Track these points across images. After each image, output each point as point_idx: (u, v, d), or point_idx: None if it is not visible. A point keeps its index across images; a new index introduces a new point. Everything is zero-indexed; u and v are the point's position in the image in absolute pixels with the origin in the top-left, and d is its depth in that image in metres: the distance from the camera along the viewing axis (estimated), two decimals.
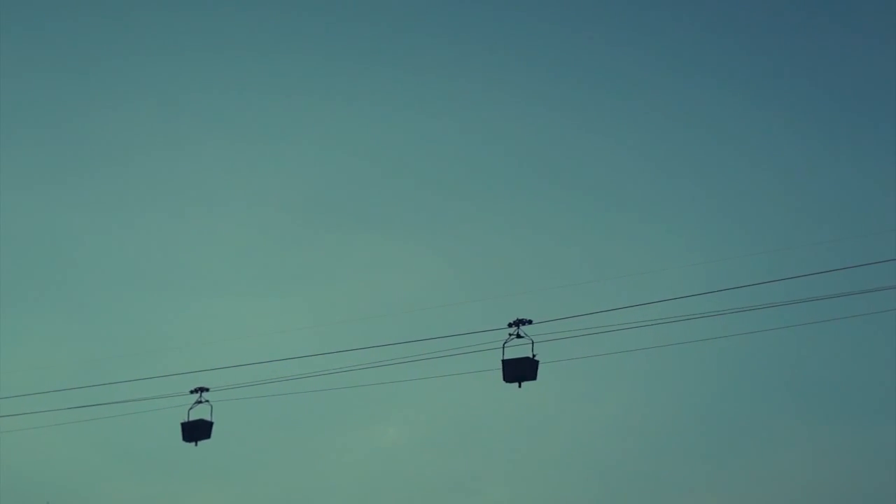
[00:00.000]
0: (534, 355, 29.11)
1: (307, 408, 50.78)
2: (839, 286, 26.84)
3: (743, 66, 60.83)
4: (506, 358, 29.17)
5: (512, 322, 29.31)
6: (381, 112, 61.80)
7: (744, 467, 49.73)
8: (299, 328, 43.16)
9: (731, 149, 59.56)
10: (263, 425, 49.58)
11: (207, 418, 32.86)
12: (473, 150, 61.36)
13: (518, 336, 29.13)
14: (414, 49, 63.46)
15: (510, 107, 62.01)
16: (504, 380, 29.20)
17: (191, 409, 32.90)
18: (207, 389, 32.90)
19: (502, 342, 29.24)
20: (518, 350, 29.02)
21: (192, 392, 32.97)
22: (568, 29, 62.50)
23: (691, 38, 62.00)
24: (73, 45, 62.58)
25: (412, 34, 63.33)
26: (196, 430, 32.88)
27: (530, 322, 29.23)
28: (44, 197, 59.85)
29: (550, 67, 62.18)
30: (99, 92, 62.06)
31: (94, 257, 59.54)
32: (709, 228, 58.12)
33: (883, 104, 56.94)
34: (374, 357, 31.24)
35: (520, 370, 29.09)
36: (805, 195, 58.05)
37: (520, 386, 29.15)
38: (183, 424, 32.97)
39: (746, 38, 61.00)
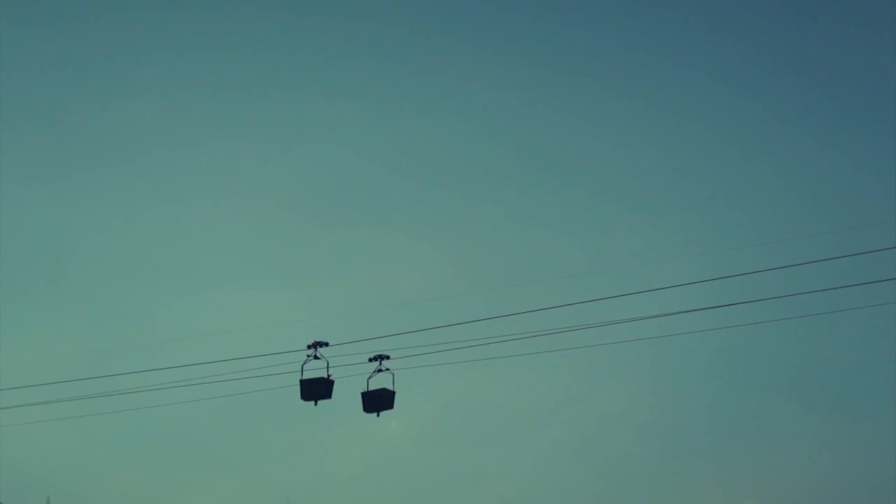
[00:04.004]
0: (329, 376, 30.83)
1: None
2: (839, 279, 26.88)
3: (740, 62, 61.07)
4: (303, 378, 30.90)
5: (310, 344, 30.92)
6: (380, 110, 62.08)
7: (747, 460, 49.83)
8: (300, 321, 43.25)
9: (729, 143, 59.77)
10: (264, 418, 49.66)
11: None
12: (472, 147, 61.61)
13: (315, 357, 30.85)
14: (413, 49, 63.69)
15: (509, 104, 62.26)
16: (301, 398, 30.93)
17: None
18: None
19: (301, 363, 30.97)
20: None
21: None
22: (565, 28, 62.71)
23: (689, 36, 62.19)
24: (77, 44, 62.83)
25: (412, 34, 63.55)
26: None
27: (327, 344, 30.88)
28: (47, 192, 60.09)
29: (549, 66, 62.45)
30: (101, 90, 62.31)
31: (97, 252, 59.77)
32: (708, 222, 58.27)
33: (880, 98, 57.11)
34: (374, 350, 31.31)
35: (316, 390, 30.85)
36: (803, 188, 58.22)
37: (315, 404, 30.91)
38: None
39: (743, 35, 61.23)
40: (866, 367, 50.48)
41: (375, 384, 30.75)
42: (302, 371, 31.09)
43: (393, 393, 30.67)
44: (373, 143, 61.67)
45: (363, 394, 30.77)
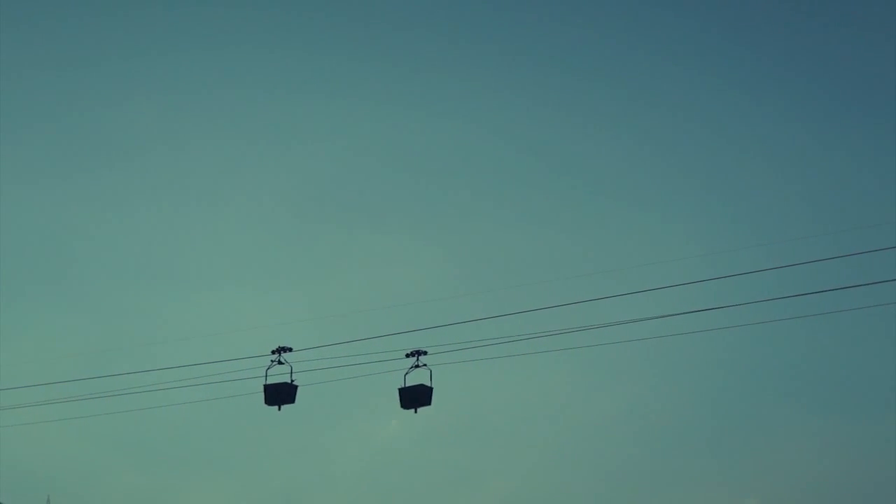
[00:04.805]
0: (292, 381, 31.20)
1: (309, 400, 50.80)
2: (839, 279, 26.85)
3: (741, 61, 61.03)
4: (266, 383, 31.22)
5: (274, 349, 31.24)
6: (381, 109, 62.03)
7: (747, 460, 49.81)
8: (300, 321, 43.21)
9: (730, 142, 59.75)
10: (265, 417, 49.59)
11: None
12: (472, 146, 61.54)
13: (279, 363, 31.13)
14: (414, 48, 63.64)
15: (510, 103, 62.21)
16: (265, 403, 31.29)
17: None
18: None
19: (265, 368, 31.34)
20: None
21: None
22: (566, 27, 62.67)
23: (689, 35, 62.17)
24: (77, 44, 62.78)
25: (413, 33, 63.50)
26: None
27: (290, 349, 31.21)
28: (47, 192, 60.05)
29: (550, 65, 62.37)
30: (101, 89, 62.27)
31: (97, 251, 59.75)
32: (708, 222, 58.27)
33: (880, 98, 57.09)
34: (374, 348, 31.30)
35: (280, 395, 31.17)
36: (803, 188, 58.21)
37: (279, 409, 31.32)
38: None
39: (744, 35, 61.19)
40: (866, 367, 50.51)
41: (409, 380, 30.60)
42: (266, 376, 31.24)
43: (431, 389, 30.46)
44: (373, 143, 61.71)
45: (400, 390, 30.54)
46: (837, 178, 57.81)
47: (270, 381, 31.32)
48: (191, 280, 59.26)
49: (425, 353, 30.41)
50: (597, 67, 62.52)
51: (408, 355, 30.47)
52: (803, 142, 59.50)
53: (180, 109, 62.52)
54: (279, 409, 31.36)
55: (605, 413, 52.88)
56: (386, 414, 53.09)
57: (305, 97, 62.83)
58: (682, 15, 62.10)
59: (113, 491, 51.87)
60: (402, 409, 30.85)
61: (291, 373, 31.22)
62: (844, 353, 51.64)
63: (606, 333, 29.83)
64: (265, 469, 51.59)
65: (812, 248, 30.11)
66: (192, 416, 48.78)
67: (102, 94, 62.04)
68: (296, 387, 31.33)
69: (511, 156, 60.98)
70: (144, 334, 52.83)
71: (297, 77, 63.07)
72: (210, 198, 60.59)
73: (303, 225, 60.35)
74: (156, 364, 34.34)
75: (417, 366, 30.43)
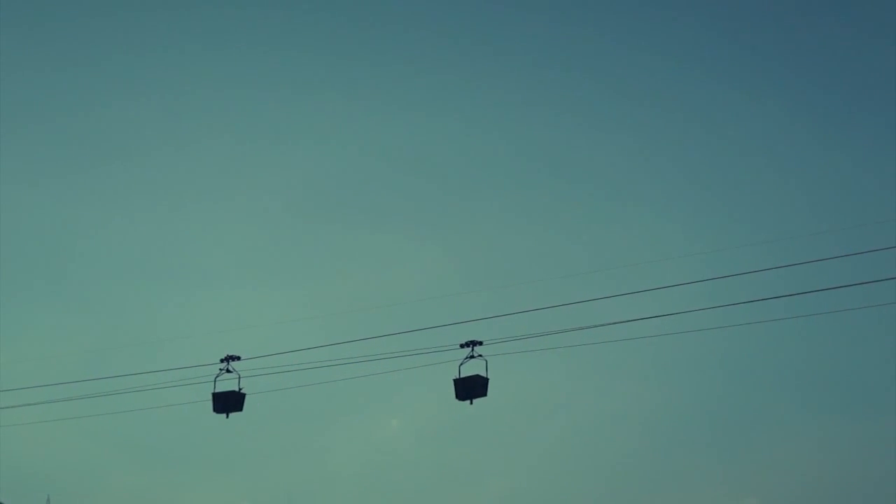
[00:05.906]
0: (240, 389, 31.46)
1: (309, 399, 50.96)
2: (839, 279, 26.86)
3: (740, 60, 61.02)
4: (215, 391, 31.60)
5: (223, 358, 31.63)
6: (382, 109, 62.04)
7: (747, 459, 49.83)
8: (301, 320, 43.22)
9: (730, 141, 59.76)
10: (265, 417, 49.67)
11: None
12: (473, 145, 61.54)
13: (227, 371, 31.52)
14: (415, 47, 63.65)
15: (511, 103, 62.24)
16: (213, 411, 31.68)
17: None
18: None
19: (214, 377, 31.74)
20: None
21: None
22: (566, 27, 62.69)
23: (689, 34, 62.17)
24: (78, 43, 62.74)
25: (413, 33, 63.50)
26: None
27: (239, 358, 31.56)
28: (47, 192, 60.05)
29: (551, 65, 62.37)
30: (102, 89, 62.26)
31: (97, 251, 59.75)
32: (708, 221, 58.29)
33: (880, 98, 57.10)
34: (375, 349, 31.32)
35: (228, 403, 31.60)
36: (803, 187, 58.24)
37: (227, 417, 31.64)
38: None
39: (743, 34, 61.18)
40: (866, 367, 50.52)
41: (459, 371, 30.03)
42: (215, 384, 31.62)
43: (486, 380, 29.72)
44: (374, 142, 61.74)
45: (455, 381, 29.84)
46: (837, 178, 57.87)
47: (226, 389, 31.72)
48: (191, 280, 59.35)
49: (480, 343, 29.73)
50: (596, 67, 62.61)
51: (462, 346, 29.82)
52: (803, 141, 59.56)
53: (180, 109, 62.57)
54: (227, 416, 31.68)
55: (606, 412, 52.92)
56: (385, 412, 53.16)
57: (305, 97, 62.91)
58: (682, 15, 62.14)
59: (113, 491, 51.91)
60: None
61: (239, 381, 31.39)
62: (844, 352, 51.68)
63: (606, 332, 29.85)
64: (265, 469, 51.62)
65: (812, 247, 30.14)
66: (192, 416, 48.74)
67: (102, 94, 62.13)
68: (243, 395, 31.64)
69: (511, 155, 61.06)
70: (144, 334, 52.84)
71: (297, 77, 63.15)
72: (210, 198, 60.66)
73: (303, 224, 60.44)
74: (156, 364, 34.37)
75: (472, 356, 29.72)
